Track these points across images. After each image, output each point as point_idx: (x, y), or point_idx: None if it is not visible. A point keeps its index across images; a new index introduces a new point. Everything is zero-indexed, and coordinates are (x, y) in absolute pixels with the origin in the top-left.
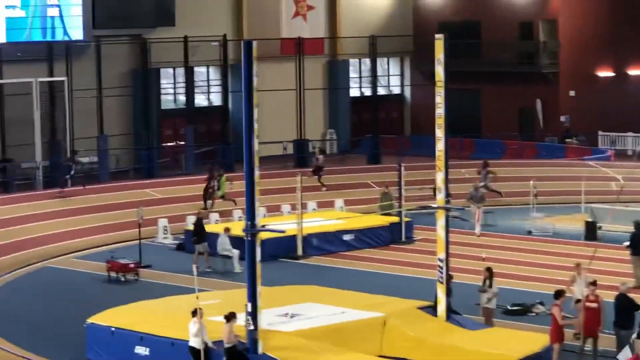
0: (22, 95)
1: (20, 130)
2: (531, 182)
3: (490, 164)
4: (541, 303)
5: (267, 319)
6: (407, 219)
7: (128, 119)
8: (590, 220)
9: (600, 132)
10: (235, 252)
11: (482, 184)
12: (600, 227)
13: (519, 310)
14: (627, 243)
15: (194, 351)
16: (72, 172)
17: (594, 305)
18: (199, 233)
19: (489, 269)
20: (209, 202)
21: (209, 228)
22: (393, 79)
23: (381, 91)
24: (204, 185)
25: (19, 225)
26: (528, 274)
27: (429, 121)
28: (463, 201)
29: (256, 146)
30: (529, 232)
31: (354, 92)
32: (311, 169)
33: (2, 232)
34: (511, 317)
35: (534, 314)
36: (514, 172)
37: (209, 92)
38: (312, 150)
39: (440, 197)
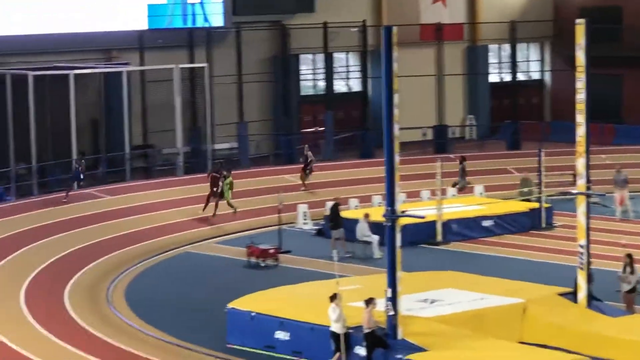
0: (164, 81)
1: (161, 116)
2: None
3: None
4: None
5: (407, 304)
6: (547, 205)
7: (268, 105)
8: None
9: None
10: (375, 238)
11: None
12: None
13: None
14: None
15: (335, 336)
16: (82, 177)
17: None
18: (335, 219)
19: (629, 255)
20: (215, 208)
21: (349, 214)
22: (533, 64)
23: (521, 77)
24: (218, 185)
25: (159, 211)
26: None
27: (569, 107)
28: (604, 187)
29: (396, 132)
30: None
31: (494, 78)
32: (301, 165)
33: (143, 217)
34: None
35: None
36: None
37: (348, 78)
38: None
39: (581, 183)
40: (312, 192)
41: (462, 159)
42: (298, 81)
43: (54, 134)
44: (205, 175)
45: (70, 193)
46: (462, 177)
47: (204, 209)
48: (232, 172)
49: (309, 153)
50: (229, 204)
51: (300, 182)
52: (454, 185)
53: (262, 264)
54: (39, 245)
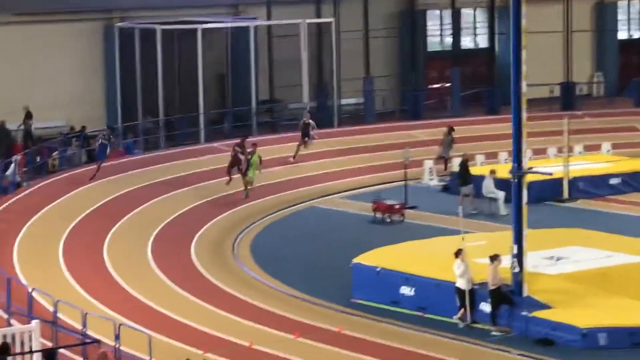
0: (290, 36)
1: (287, 71)
2: None
3: None
4: None
5: (533, 261)
6: None
7: (394, 61)
8: None
9: None
10: (501, 195)
11: None
12: None
13: None
14: None
15: (460, 292)
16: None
17: None
18: (464, 175)
19: None
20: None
21: (475, 170)
22: None
23: None
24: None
25: (285, 166)
26: None
27: None
28: None
29: (524, 88)
30: None
31: (622, 35)
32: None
33: (268, 172)
34: None
35: None
36: None
37: (475, 34)
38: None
39: None
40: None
41: (450, 130)
42: (425, 37)
43: (181, 88)
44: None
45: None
46: (447, 148)
47: (227, 183)
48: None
49: (310, 121)
50: (247, 183)
51: (295, 153)
52: (438, 158)
53: (388, 220)
54: (165, 198)
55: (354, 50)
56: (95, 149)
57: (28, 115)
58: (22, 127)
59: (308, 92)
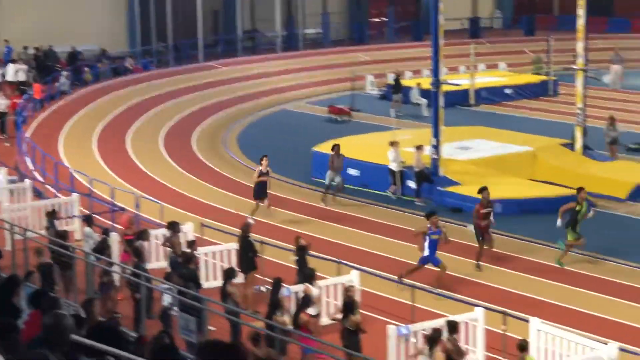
0: None
1: (265, 8)
2: None
3: None
4: None
5: (447, 150)
6: (554, 78)
7: (345, 1)
8: None
9: None
10: (424, 101)
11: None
12: None
13: (637, 149)
14: None
15: (392, 172)
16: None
17: None
18: (396, 86)
19: (611, 117)
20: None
21: (405, 83)
22: None
23: None
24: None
25: (263, 78)
26: None
27: (573, 3)
28: (598, 65)
29: (441, 21)
30: None
31: None
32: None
33: (251, 83)
34: (631, 153)
35: None
36: (629, 45)
37: None
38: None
39: (580, 61)
40: (379, 65)
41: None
42: None
43: (185, 20)
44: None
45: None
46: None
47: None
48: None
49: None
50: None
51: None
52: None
53: (339, 119)
54: (173, 103)
55: None
56: (117, 67)
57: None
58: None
59: (280, 23)
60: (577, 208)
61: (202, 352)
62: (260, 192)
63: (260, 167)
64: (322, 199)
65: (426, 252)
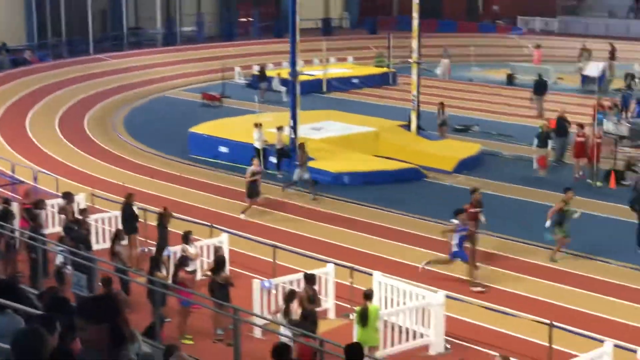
0: None
1: (147, 8)
2: (471, 47)
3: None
4: (477, 124)
5: (303, 131)
6: (393, 70)
7: (216, 2)
8: (510, 72)
9: (518, 16)
10: (284, 89)
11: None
12: (515, 77)
13: (462, 129)
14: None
15: (257, 150)
16: None
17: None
18: (261, 75)
19: (441, 103)
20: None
21: (268, 73)
22: None
23: None
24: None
25: (146, 70)
26: (467, 106)
27: (409, 5)
28: (429, 59)
29: (298, 21)
30: (470, 80)
31: None
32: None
33: (135, 73)
34: (457, 133)
35: (472, 132)
36: (455, 42)
37: None
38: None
39: (415, 55)
40: (245, 58)
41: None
42: None
43: (78, 17)
44: None
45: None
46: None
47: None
48: None
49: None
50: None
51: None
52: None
53: (211, 105)
54: (67, 90)
55: None
56: (17, 58)
57: None
58: None
59: (160, 22)
60: (565, 208)
61: (81, 308)
62: (253, 191)
63: (252, 167)
64: (283, 189)
65: (455, 248)
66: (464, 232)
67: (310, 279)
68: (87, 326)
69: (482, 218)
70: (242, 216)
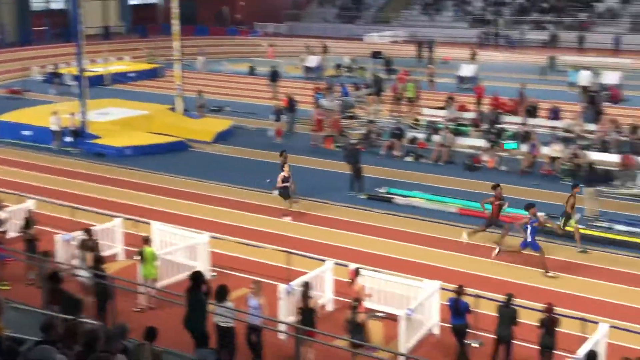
0: None
1: None
2: (221, 47)
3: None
4: (228, 106)
5: (91, 116)
6: (161, 65)
7: (13, 15)
8: (251, 65)
9: (255, 22)
10: (74, 83)
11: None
12: (255, 68)
13: (217, 110)
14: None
15: (54, 132)
16: None
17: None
18: (55, 73)
19: (200, 90)
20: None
21: (61, 70)
22: None
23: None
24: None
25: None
26: (220, 92)
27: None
28: (190, 56)
29: (82, 28)
30: (221, 72)
31: (133, 1)
32: None
33: None
34: (213, 113)
35: (224, 111)
36: (208, 43)
37: (50, 1)
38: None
39: (177, 54)
40: (42, 60)
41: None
42: (27, 2)
43: None
44: None
45: None
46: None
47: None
48: None
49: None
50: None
51: None
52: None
53: (15, 97)
54: None
55: None
56: None
57: None
58: None
59: None
60: (567, 209)
61: None
62: (286, 194)
63: (284, 173)
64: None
65: (529, 238)
66: (535, 224)
67: (88, 231)
68: None
69: (506, 206)
70: (286, 219)
